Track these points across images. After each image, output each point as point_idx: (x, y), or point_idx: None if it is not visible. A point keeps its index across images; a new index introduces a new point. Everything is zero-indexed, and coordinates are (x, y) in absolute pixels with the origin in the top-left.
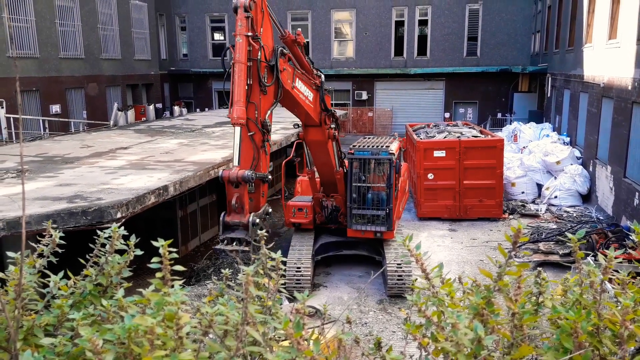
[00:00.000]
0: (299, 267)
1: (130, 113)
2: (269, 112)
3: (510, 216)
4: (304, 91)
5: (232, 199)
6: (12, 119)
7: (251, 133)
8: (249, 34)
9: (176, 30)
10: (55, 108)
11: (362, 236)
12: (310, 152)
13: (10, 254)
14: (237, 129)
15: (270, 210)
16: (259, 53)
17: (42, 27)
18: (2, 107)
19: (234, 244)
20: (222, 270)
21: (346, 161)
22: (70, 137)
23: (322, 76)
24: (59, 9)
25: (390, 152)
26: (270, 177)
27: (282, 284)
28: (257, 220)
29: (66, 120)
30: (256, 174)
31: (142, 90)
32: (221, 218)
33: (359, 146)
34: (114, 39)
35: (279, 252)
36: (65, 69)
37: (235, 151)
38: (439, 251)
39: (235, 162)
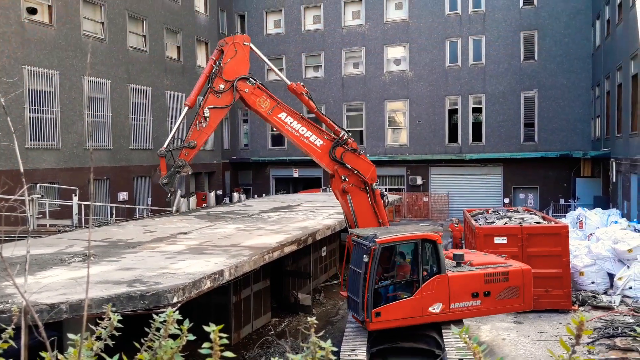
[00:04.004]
0: None
1: (192, 200)
2: (211, 107)
3: (581, 308)
4: (297, 128)
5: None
6: (82, 206)
7: (196, 114)
8: (214, 58)
9: (239, 123)
10: (123, 195)
11: (358, 321)
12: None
13: (70, 335)
14: (185, 109)
15: (180, 163)
16: (213, 69)
17: (116, 121)
18: (75, 195)
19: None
20: None
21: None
22: (134, 222)
23: (345, 134)
24: (132, 105)
25: (376, 240)
26: (193, 144)
27: None
28: (165, 180)
29: (132, 206)
30: (169, 148)
31: (204, 178)
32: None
33: (367, 233)
34: (181, 131)
35: (329, 341)
36: (134, 159)
37: (171, 133)
38: (504, 345)
39: (165, 145)
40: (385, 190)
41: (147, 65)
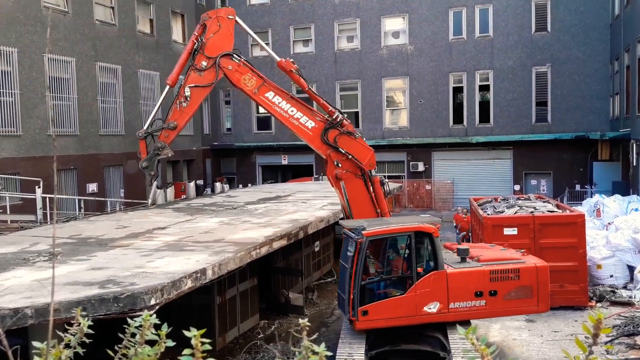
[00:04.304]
0: None
1: (170, 191)
2: (192, 85)
3: (598, 304)
4: (286, 109)
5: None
6: (47, 199)
7: (177, 94)
8: (196, 33)
9: (220, 104)
10: (92, 187)
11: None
12: None
13: (35, 344)
14: (166, 88)
15: (159, 145)
16: (195, 45)
17: (83, 104)
18: (39, 187)
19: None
20: None
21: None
22: (105, 217)
23: (340, 115)
24: (101, 86)
25: (363, 232)
26: (173, 125)
27: None
28: (144, 164)
29: (103, 199)
30: (148, 129)
31: (183, 166)
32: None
33: (356, 224)
34: (162, 113)
35: (323, 344)
36: (104, 146)
37: (151, 114)
38: (515, 346)
39: (145, 127)
40: (385, 178)
41: (117, 41)
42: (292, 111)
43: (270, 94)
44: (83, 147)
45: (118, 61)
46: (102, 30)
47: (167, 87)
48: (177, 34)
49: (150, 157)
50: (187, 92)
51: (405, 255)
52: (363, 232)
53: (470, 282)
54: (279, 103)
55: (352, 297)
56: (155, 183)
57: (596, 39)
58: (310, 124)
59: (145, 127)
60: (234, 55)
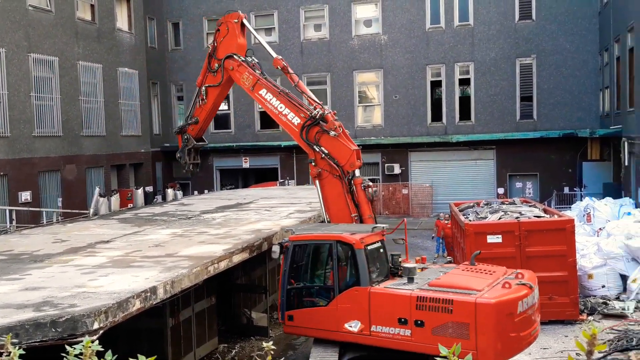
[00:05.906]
0: None
1: (115, 199)
2: (206, 86)
3: (590, 317)
4: (276, 105)
5: None
6: None
7: (197, 93)
8: (214, 38)
9: (172, 101)
10: (25, 195)
11: None
12: None
13: None
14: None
15: (186, 137)
16: (209, 50)
17: (14, 101)
18: None
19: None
20: None
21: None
22: (41, 229)
23: (319, 111)
24: (35, 80)
25: (290, 236)
26: (194, 120)
27: None
28: (178, 154)
29: (37, 209)
30: (183, 125)
31: (129, 171)
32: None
33: (295, 228)
34: (98, 113)
35: None
36: (39, 149)
37: (187, 112)
38: None
39: (181, 123)
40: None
41: (53, 30)
42: (280, 107)
43: (263, 91)
44: (14, 150)
45: (55, 52)
46: (36, 17)
47: (197, 88)
48: (122, 21)
49: (182, 149)
50: (202, 89)
51: (329, 266)
52: (290, 236)
53: (393, 306)
54: (270, 100)
55: (279, 300)
56: (97, 189)
57: (585, 28)
58: (296, 120)
59: (181, 124)
60: (234, 55)
